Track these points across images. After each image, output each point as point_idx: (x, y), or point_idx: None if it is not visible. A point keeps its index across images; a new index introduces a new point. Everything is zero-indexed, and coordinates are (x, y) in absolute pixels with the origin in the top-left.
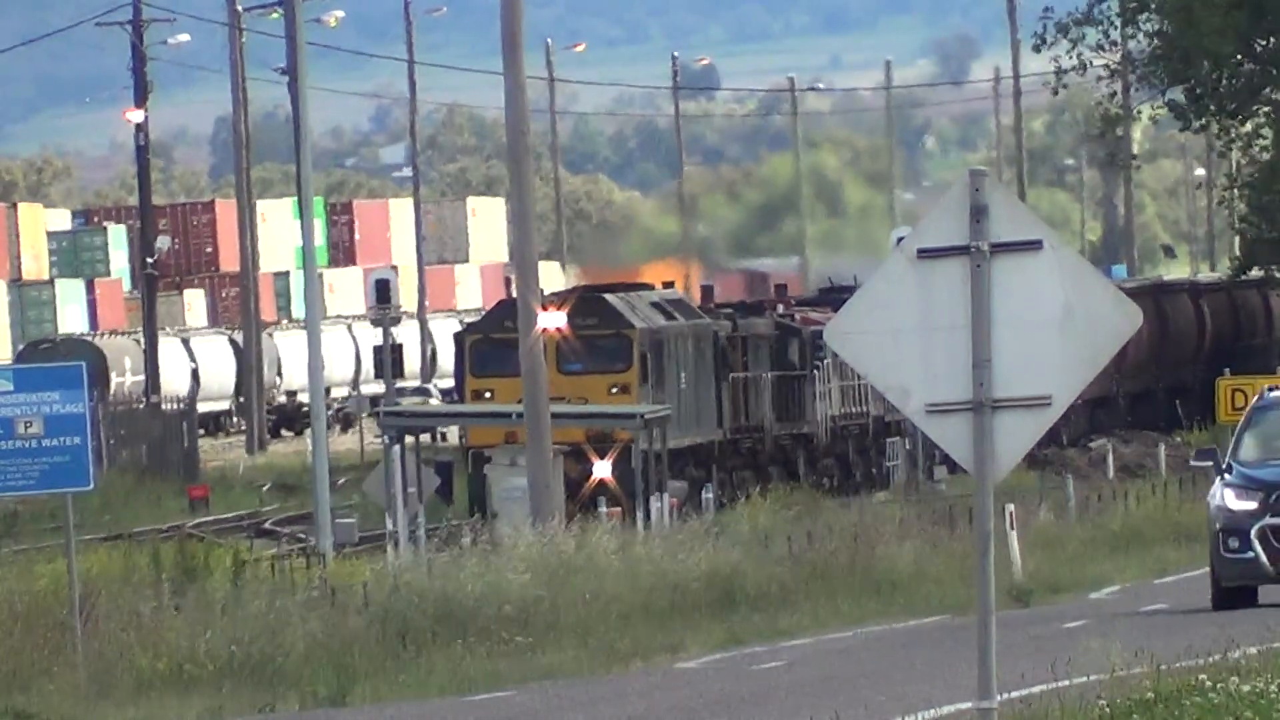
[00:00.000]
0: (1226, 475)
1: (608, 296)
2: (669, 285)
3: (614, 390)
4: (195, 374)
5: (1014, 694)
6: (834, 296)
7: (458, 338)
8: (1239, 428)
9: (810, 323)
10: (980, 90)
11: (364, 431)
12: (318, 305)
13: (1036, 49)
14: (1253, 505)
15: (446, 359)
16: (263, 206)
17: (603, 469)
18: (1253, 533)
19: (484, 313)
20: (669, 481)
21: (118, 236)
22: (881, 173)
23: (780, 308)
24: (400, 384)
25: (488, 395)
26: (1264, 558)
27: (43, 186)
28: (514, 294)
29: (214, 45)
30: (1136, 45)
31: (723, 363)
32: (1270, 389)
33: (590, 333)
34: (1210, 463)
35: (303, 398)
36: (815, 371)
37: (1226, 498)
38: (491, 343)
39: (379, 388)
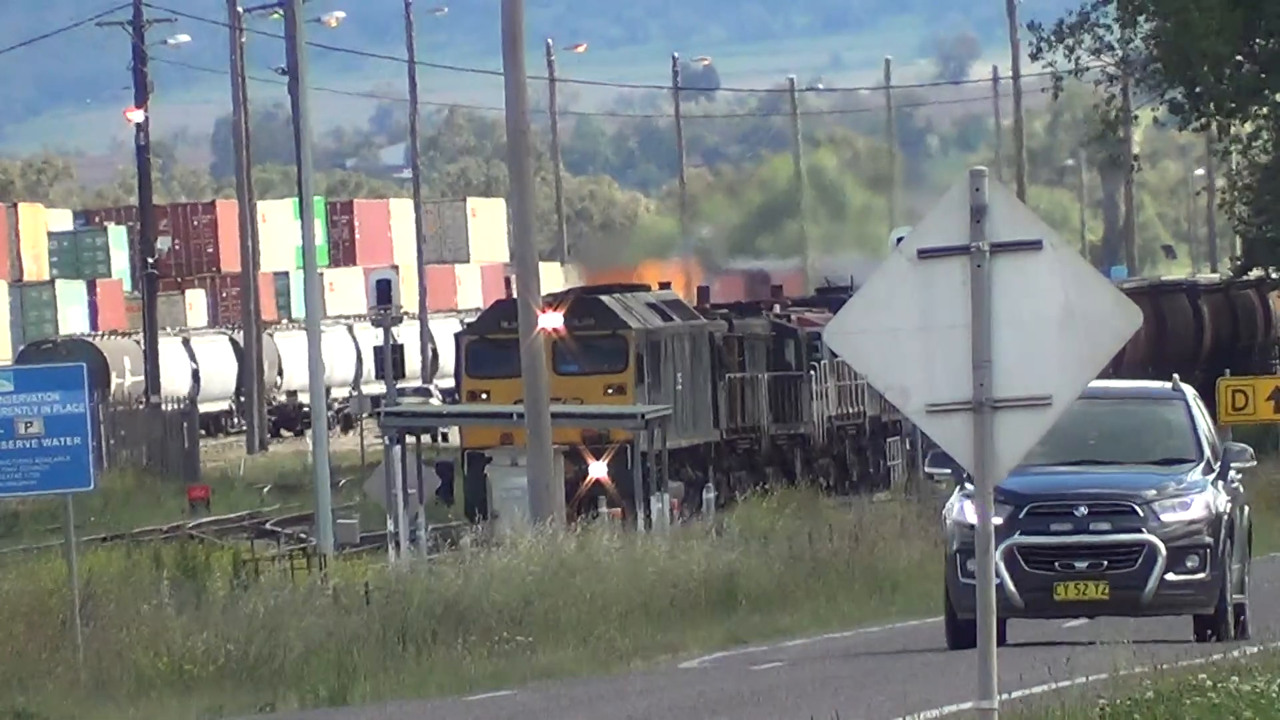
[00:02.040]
0: (967, 484)
1: (603, 298)
2: (665, 286)
3: (610, 391)
4: (196, 374)
5: (1014, 694)
6: (830, 297)
7: (458, 338)
8: None
9: (807, 323)
10: (981, 90)
11: (364, 432)
12: (318, 305)
13: (1033, 57)
14: (998, 521)
15: (447, 359)
16: (263, 207)
17: (598, 470)
18: (998, 554)
19: (480, 313)
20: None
21: (118, 237)
22: (882, 173)
23: (776, 308)
24: (401, 384)
25: (484, 396)
26: (1011, 585)
27: (43, 187)
28: (514, 294)
29: (215, 45)
30: (1135, 49)
31: (719, 363)
32: None
33: (586, 334)
34: (948, 470)
35: (303, 398)
36: (812, 372)
37: (966, 511)
38: (487, 343)
39: (380, 388)
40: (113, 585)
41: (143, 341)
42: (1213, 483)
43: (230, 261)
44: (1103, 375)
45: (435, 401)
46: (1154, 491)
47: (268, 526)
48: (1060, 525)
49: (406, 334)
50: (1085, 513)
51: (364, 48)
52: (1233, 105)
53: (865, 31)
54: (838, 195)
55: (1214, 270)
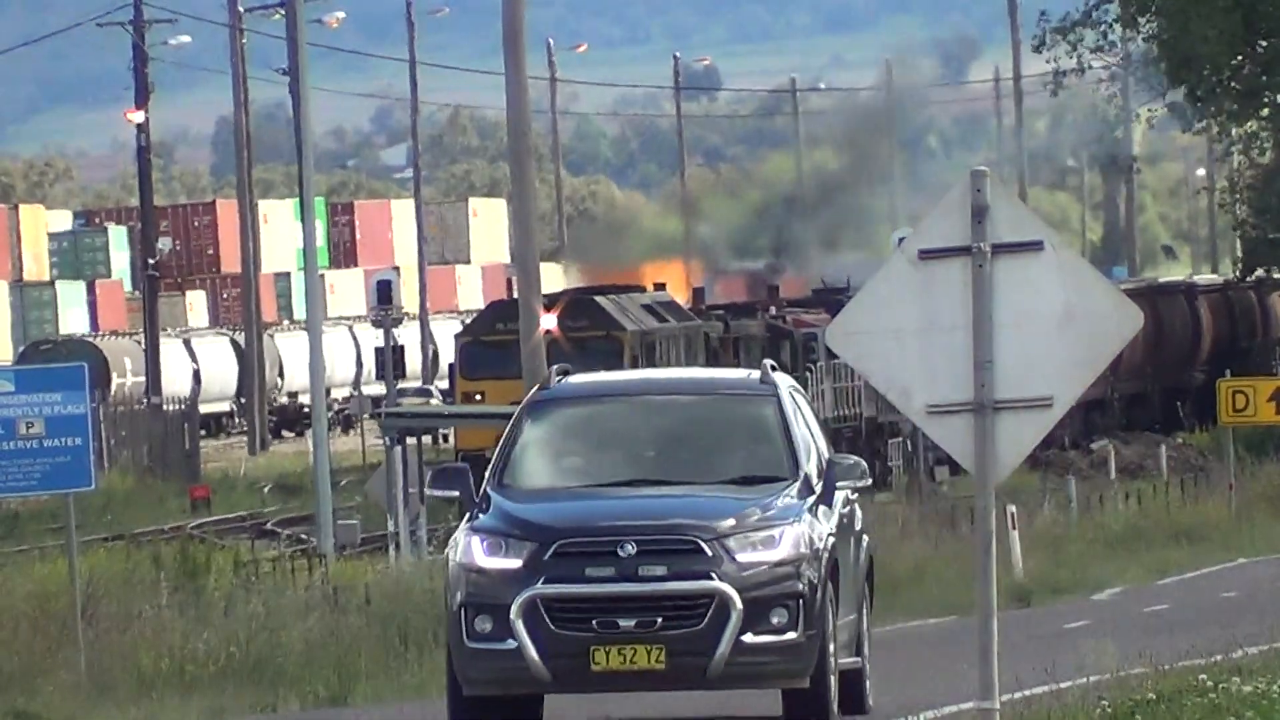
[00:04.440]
0: (480, 515)
1: (599, 299)
2: (660, 287)
3: None
4: (196, 375)
5: (1015, 695)
6: (826, 298)
7: (456, 339)
8: (504, 437)
9: (802, 324)
10: (981, 90)
11: (365, 432)
12: (319, 306)
13: (1035, 49)
14: (516, 564)
15: (448, 360)
16: (264, 207)
17: None
18: (515, 608)
19: (476, 314)
20: None
21: (119, 237)
22: (882, 173)
23: (772, 309)
24: (402, 385)
25: (478, 397)
26: (532, 650)
27: (43, 188)
28: (512, 295)
29: (215, 46)
30: (1136, 48)
31: (714, 365)
32: (560, 371)
33: (581, 335)
34: (456, 492)
35: (304, 399)
36: (808, 373)
37: (475, 552)
38: (482, 345)
39: (380, 389)
40: (114, 586)
41: (143, 342)
42: (810, 509)
43: (231, 262)
44: (1100, 379)
45: (436, 402)
46: (729, 522)
47: (268, 527)
48: (599, 569)
49: (407, 335)
50: (634, 552)
51: (365, 48)
52: (1233, 106)
53: (866, 31)
54: (838, 196)
55: (1214, 271)
